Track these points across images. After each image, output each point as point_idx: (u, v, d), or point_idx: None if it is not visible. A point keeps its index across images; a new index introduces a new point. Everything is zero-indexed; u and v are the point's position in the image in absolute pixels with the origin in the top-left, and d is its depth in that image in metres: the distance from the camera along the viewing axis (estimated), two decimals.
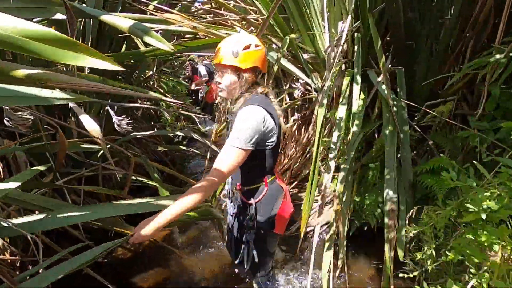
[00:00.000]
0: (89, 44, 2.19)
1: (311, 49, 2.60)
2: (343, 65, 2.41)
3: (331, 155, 2.06)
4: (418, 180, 1.85)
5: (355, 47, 2.12)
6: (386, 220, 1.58)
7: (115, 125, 1.50)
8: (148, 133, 2.71)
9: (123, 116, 1.48)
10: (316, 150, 2.01)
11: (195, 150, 3.22)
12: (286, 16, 2.66)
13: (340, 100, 1.97)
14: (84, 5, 1.91)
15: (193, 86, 7.08)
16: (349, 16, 1.87)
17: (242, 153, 1.16)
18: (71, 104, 2.14)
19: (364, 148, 2.43)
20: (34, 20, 2.05)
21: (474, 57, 2.11)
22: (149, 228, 1.02)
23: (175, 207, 1.03)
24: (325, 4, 2.36)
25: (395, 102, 1.91)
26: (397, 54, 2.34)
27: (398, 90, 1.96)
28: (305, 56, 2.63)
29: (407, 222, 1.58)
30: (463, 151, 2.10)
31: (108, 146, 2.92)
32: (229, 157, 1.14)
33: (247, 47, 1.22)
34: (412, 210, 1.52)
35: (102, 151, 2.98)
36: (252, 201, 1.34)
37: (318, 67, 2.64)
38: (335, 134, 2.18)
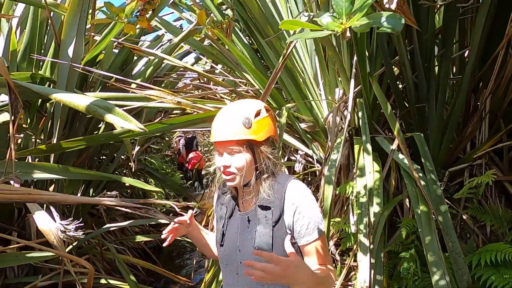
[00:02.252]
0: (57, 126, 1.91)
1: (308, 117, 2.38)
2: (347, 133, 2.16)
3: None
4: (473, 274, 1.38)
5: (359, 113, 1.89)
6: None
7: (59, 232, 1.10)
8: (124, 224, 2.25)
9: (68, 220, 1.09)
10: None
11: (179, 238, 2.71)
12: (277, 86, 2.53)
13: (356, 173, 1.63)
14: (51, 85, 1.70)
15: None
16: (352, 81, 1.68)
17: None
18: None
19: (387, 229, 1.99)
20: None
21: (495, 117, 1.88)
22: (305, 277, 0.77)
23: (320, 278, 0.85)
24: (318, 71, 2.23)
25: (420, 174, 1.57)
26: (404, 119, 2.12)
27: (422, 160, 1.64)
28: (303, 125, 2.40)
29: None
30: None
31: (75, 244, 2.44)
32: (326, 248, 0.93)
33: (258, 113, 0.92)
34: None
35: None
36: None
37: (318, 136, 2.39)
38: (352, 216, 1.78)
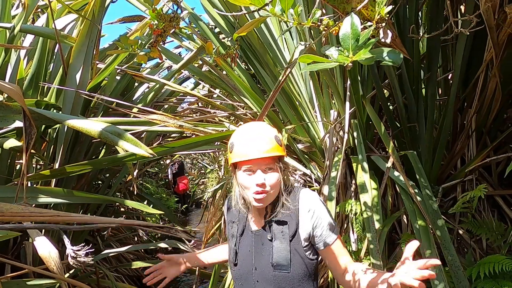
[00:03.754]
0: (60, 151, 1.94)
1: (305, 138, 2.47)
2: (343, 153, 2.24)
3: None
4: (474, 287, 1.42)
5: (355, 133, 1.99)
6: None
7: (69, 258, 1.10)
8: (123, 249, 2.22)
9: (81, 245, 1.09)
10: None
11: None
12: (275, 109, 2.63)
13: (358, 190, 1.68)
14: (54, 111, 1.75)
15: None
16: (347, 103, 1.78)
17: None
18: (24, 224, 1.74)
19: (387, 246, 2.02)
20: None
21: (482, 134, 2.00)
22: None
23: None
24: (314, 94, 2.35)
25: (416, 190, 1.64)
26: (397, 138, 2.22)
27: (417, 176, 1.72)
28: (300, 146, 2.48)
29: None
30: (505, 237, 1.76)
31: (71, 271, 2.38)
32: (344, 248, 0.98)
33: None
34: None
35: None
36: None
37: (315, 156, 2.46)
38: (352, 234, 1.82)
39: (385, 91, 2.34)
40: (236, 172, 0.97)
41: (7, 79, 1.88)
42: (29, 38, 2.02)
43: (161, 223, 5.25)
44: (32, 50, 2.00)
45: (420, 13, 2.26)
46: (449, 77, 2.21)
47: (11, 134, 1.86)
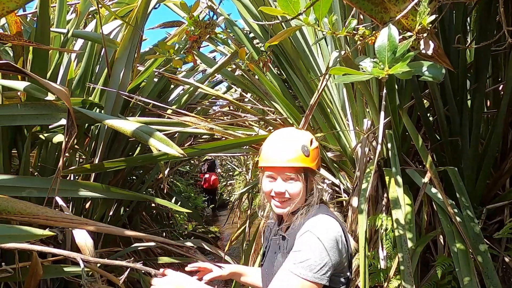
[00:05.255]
0: (101, 147, 2.07)
1: (335, 147, 2.40)
2: (375, 164, 2.14)
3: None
4: None
5: (389, 145, 1.89)
6: None
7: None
8: (151, 244, 2.32)
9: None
10: (364, 274, 1.51)
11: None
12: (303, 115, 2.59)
13: (390, 205, 1.60)
14: (97, 109, 1.87)
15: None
16: (382, 113, 1.70)
17: None
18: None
19: (420, 268, 1.89)
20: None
21: None
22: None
23: None
24: (346, 102, 2.28)
25: (455, 210, 1.52)
26: (436, 152, 2.07)
27: (457, 195, 1.59)
28: (329, 154, 2.41)
29: None
30: None
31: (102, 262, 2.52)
32: None
33: (311, 142, 0.94)
34: None
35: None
36: None
37: (345, 166, 2.38)
38: (382, 251, 1.72)
39: (425, 101, 2.20)
40: (262, 175, 0.98)
41: (59, 79, 2.05)
42: (80, 42, 2.19)
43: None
44: (81, 53, 2.17)
45: (468, 18, 2.10)
46: (500, 88, 2.03)
47: (60, 130, 2.03)
